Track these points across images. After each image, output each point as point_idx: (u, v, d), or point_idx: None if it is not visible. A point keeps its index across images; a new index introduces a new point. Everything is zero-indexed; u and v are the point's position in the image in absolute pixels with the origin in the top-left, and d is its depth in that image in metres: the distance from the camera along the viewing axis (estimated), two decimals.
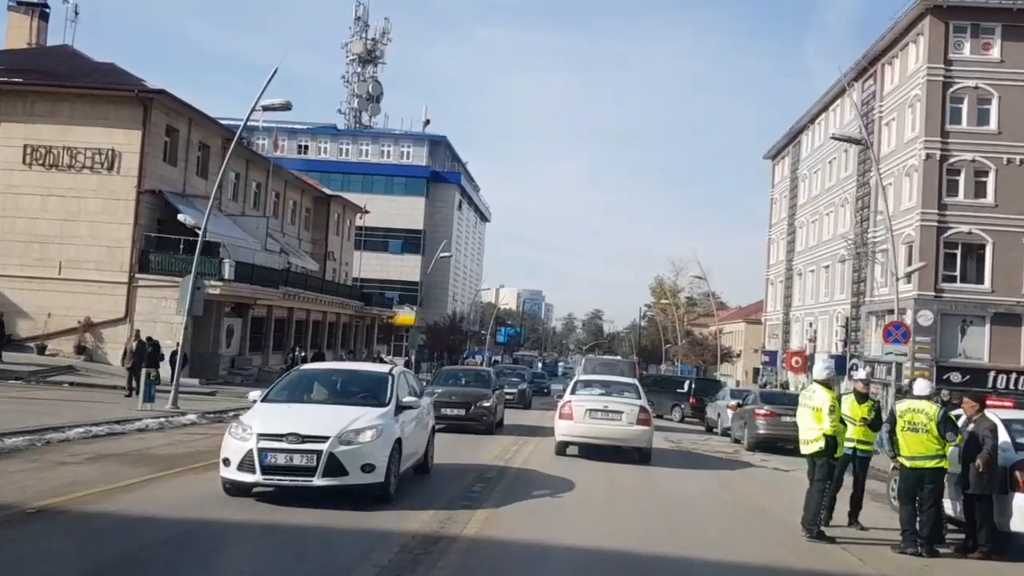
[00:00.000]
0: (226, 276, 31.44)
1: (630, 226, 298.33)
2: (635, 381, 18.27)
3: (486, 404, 18.98)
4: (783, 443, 18.67)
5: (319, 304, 44.89)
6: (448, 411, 18.30)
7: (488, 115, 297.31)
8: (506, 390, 27.13)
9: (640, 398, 15.73)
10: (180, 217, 31.51)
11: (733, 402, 24.12)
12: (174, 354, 21.89)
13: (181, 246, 31.95)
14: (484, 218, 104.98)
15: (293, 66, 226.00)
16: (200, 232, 23.11)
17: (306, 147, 79.52)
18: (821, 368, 10.39)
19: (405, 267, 77.39)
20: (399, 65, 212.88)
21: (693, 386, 36.88)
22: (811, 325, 51.95)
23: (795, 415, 15.70)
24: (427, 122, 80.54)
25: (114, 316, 31.50)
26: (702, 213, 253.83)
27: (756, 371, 70.63)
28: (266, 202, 45.38)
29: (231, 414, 19.82)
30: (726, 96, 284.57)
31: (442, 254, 48.39)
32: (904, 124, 39.52)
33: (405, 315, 68.64)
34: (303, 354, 31.71)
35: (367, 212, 60.18)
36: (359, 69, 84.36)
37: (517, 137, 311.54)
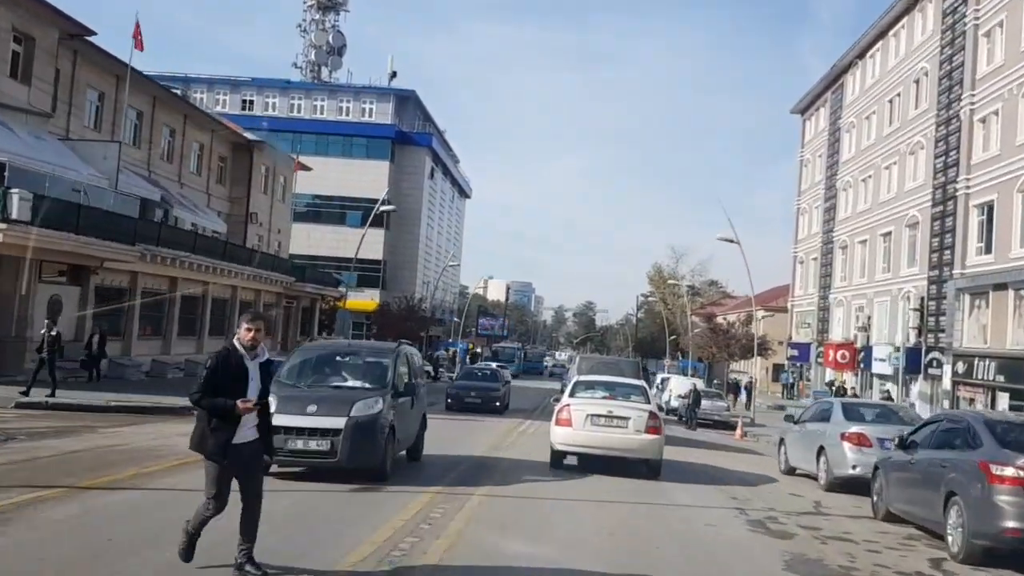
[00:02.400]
0: (13, 215, 20.12)
1: (627, 224, 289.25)
2: (642, 383, 15.76)
3: None
4: None
5: (221, 276, 33.63)
6: None
7: (485, 113, 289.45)
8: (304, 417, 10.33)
9: (648, 402, 13.65)
10: None
11: (854, 428, 12.89)
12: None
13: None
14: (464, 193, 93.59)
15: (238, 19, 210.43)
16: None
17: (251, 102, 68.03)
18: None
19: (366, 243, 65.83)
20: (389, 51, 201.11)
21: None
22: (862, 310, 40.93)
23: None
24: (393, 74, 69.20)
25: None
26: (700, 213, 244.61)
27: (777, 367, 59.65)
28: (151, 139, 34.07)
29: None
30: (724, 94, 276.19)
31: (384, 207, 37.01)
32: (1018, 28, 28.44)
33: (360, 299, 57.44)
34: (52, 332, 19.88)
35: (307, 169, 48.95)
36: (318, 16, 72.76)
37: (514, 135, 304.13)
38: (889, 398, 33.74)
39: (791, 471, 15.41)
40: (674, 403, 34.22)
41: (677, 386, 34.47)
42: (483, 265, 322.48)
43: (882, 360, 36.23)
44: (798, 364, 51.83)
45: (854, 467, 12.39)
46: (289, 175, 47.87)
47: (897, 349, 34.48)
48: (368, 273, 65.73)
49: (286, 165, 46.69)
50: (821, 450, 13.36)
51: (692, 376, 52.61)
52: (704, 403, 29.33)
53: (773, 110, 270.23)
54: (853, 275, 42.60)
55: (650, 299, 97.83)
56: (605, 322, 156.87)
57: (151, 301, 29.55)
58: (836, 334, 44.30)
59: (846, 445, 12.68)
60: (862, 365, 39.45)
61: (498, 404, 26.59)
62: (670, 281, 66.22)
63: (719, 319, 42.92)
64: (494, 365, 37.42)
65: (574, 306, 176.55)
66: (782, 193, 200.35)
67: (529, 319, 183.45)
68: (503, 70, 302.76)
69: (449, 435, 17.41)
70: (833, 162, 47.33)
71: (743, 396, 37.74)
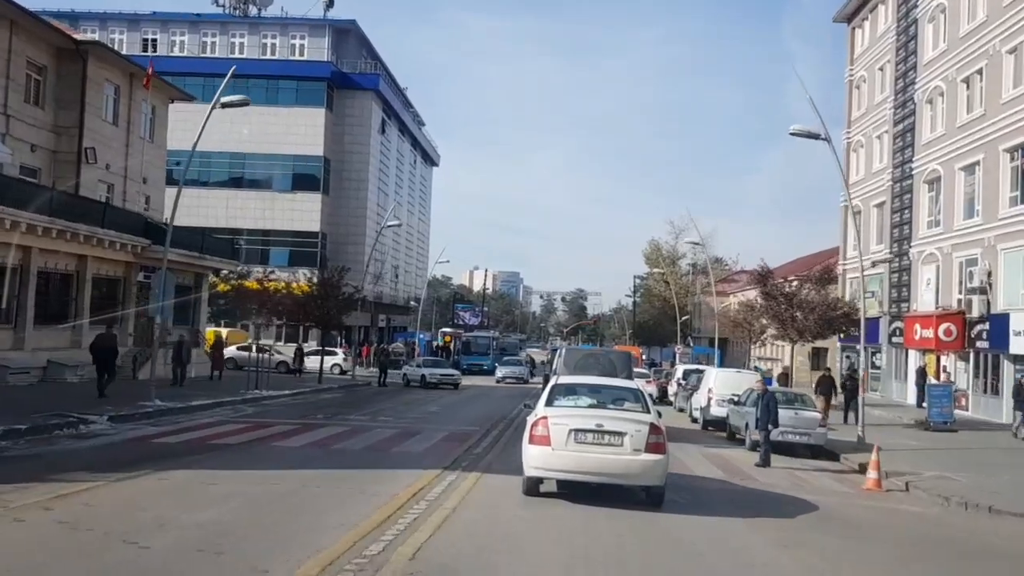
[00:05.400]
0: None
1: (618, 214, 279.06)
2: (637, 385, 12.38)
3: None
4: None
5: None
6: None
7: (469, 103, 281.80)
8: None
9: (648, 411, 10.76)
10: None
11: None
12: None
13: None
14: (430, 159, 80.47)
15: None
16: None
17: (153, 41, 54.83)
18: None
19: (300, 212, 53.05)
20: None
21: None
22: (973, 263, 28.27)
23: None
24: (330, 2, 55.98)
25: None
26: (691, 202, 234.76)
27: (818, 352, 46.81)
28: None
29: None
30: (711, 82, 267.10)
31: (229, 99, 23.33)
32: None
33: (276, 278, 44.23)
34: None
35: (187, 98, 36.09)
36: None
37: (501, 125, 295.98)
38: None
39: None
40: (716, 411, 21.61)
41: (722, 384, 21.83)
42: (470, 257, 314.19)
43: None
44: (857, 347, 39.19)
45: None
46: (161, 104, 34.84)
47: None
48: (303, 248, 52.88)
49: (158, 90, 33.56)
50: None
51: (704, 363, 39.55)
52: (780, 414, 16.63)
53: (759, 94, 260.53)
54: (953, 216, 29.95)
55: (649, 278, 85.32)
56: (598, 309, 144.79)
57: None
58: (925, 302, 31.73)
59: None
60: (982, 343, 26.84)
61: None
62: (686, 241, 53.36)
63: (781, 279, 29.64)
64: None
65: (565, 290, 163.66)
66: (773, 178, 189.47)
67: (516, 309, 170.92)
68: (488, 59, 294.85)
69: None
70: (907, 68, 34.63)
71: (836, 398, 24.72)
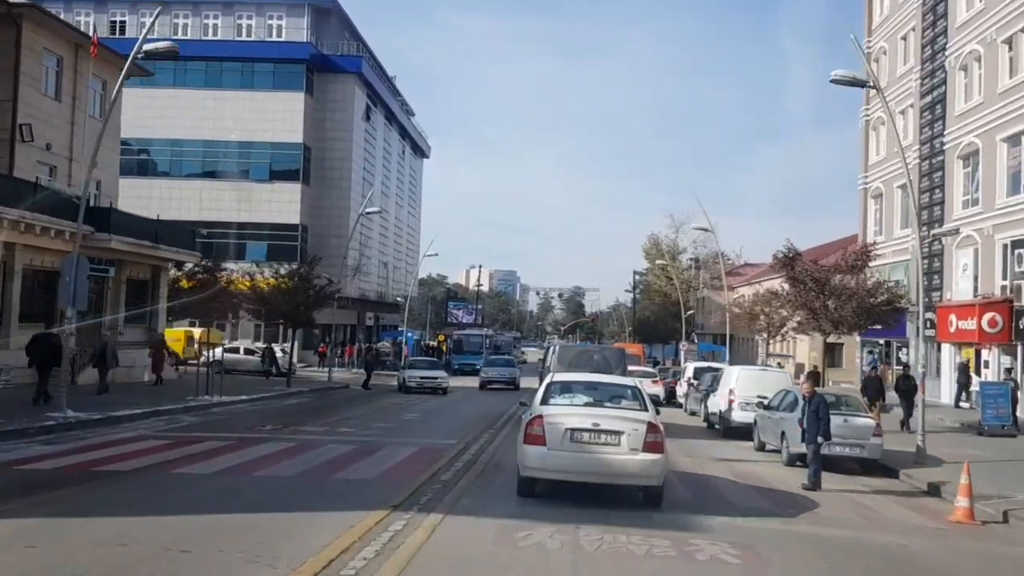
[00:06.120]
0: None
1: (617, 213, 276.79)
2: (635, 383, 11.81)
3: None
4: None
5: None
6: None
7: (468, 102, 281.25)
8: None
9: (646, 409, 10.51)
10: None
11: None
12: None
13: None
14: (420, 151, 77.09)
15: None
16: None
17: (122, 24, 51.50)
18: None
19: (279, 204, 49.77)
20: None
21: None
22: (1022, 245, 25.11)
23: None
24: None
25: None
26: (687, 199, 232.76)
27: (832, 348, 43.42)
28: None
29: None
30: (711, 81, 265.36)
31: (160, 47, 20.05)
32: None
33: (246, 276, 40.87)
34: None
35: (145, 73, 32.65)
36: None
37: (500, 124, 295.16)
38: None
39: None
40: (739, 416, 18.47)
41: (745, 384, 18.68)
42: (468, 256, 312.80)
43: None
44: (881, 341, 36.16)
45: None
46: (113, 79, 31.46)
47: None
48: (282, 242, 49.56)
49: (108, 62, 30.22)
50: None
51: (711, 360, 36.31)
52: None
53: (757, 92, 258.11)
54: (994, 193, 26.78)
55: (648, 274, 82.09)
56: (596, 306, 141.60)
57: None
58: (961, 290, 28.62)
59: None
60: None
61: None
62: (694, 227, 50.18)
63: (812, 263, 26.01)
64: None
65: (562, 288, 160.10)
66: (773, 177, 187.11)
67: (513, 307, 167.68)
68: (487, 59, 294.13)
69: None
70: (936, 34, 31.47)
71: (885, 399, 21.38)
